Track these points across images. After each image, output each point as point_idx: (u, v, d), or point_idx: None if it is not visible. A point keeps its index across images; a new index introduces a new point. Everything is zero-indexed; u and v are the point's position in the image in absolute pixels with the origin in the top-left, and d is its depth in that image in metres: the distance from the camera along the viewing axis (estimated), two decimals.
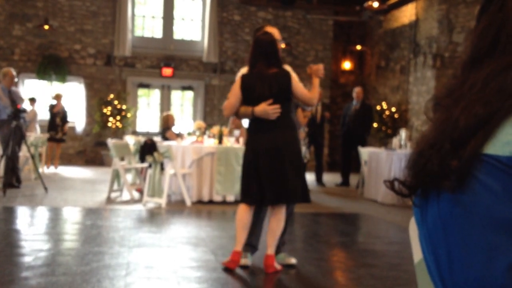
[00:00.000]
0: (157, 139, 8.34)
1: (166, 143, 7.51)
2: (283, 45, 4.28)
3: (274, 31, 4.12)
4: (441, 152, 0.90)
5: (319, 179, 10.44)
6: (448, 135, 0.91)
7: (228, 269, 3.89)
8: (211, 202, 7.33)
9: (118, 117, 13.18)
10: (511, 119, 0.84)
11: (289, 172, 3.78)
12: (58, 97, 11.71)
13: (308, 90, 4.02)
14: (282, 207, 3.91)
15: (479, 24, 0.99)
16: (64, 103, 11.93)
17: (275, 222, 3.88)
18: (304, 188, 3.93)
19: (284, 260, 4.11)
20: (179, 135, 8.69)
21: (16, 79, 8.27)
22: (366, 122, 10.36)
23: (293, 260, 4.13)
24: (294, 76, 3.97)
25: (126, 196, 7.73)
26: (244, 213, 3.93)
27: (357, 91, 10.41)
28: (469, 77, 0.96)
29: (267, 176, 3.79)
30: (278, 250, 4.15)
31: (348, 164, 10.53)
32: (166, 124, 9.03)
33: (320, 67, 4.12)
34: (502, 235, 0.80)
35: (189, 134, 8.57)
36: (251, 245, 4.16)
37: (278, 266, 3.94)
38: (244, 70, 4.10)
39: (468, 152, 0.86)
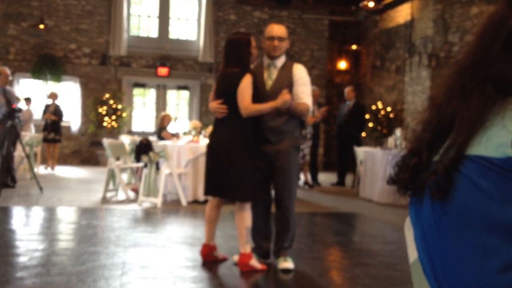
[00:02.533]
0: (153, 138, 8.33)
1: (162, 142, 7.50)
2: (286, 43, 4.15)
3: (274, 28, 4.06)
4: (421, 163, 0.91)
5: (314, 179, 10.45)
6: (427, 141, 0.92)
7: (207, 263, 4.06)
8: (207, 202, 7.31)
9: (114, 117, 13.15)
10: (501, 122, 0.84)
11: (225, 169, 3.85)
12: (53, 96, 11.61)
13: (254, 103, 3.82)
14: (242, 205, 3.91)
15: None
16: (59, 102, 11.83)
17: (236, 220, 3.96)
18: (243, 187, 3.84)
19: (279, 264, 4.04)
20: (174, 135, 8.68)
21: (10, 78, 8.24)
22: (359, 122, 10.38)
23: (287, 265, 4.01)
24: (245, 79, 3.82)
25: (121, 195, 7.72)
26: (209, 208, 4.15)
27: (347, 91, 10.47)
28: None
29: (209, 170, 3.98)
30: (278, 254, 4.12)
31: (344, 164, 10.55)
32: (162, 124, 9.01)
33: (283, 97, 3.81)
34: (495, 237, 0.81)
35: (184, 133, 8.56)
36: (258, 245, 4.21)
37: (257, 265, 3.92)
38: None
39: (443, 165, 0.87)
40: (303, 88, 3.95)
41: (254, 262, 3.93)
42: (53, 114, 11.40)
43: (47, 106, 11.52)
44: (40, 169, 11.18)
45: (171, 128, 9.04)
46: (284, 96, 3.83)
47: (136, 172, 8.15)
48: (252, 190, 3.89)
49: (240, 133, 3.90)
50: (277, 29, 4.05)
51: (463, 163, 0.87)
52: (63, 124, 12.22)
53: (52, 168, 11.52)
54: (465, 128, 0.88)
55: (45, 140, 11.25)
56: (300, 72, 4.04)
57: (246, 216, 3.92)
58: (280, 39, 4.04)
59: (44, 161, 11.89)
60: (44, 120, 11.48)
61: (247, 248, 3.92)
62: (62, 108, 11.68)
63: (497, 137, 0.84)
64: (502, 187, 0.82)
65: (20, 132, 8.20)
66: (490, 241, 0.82)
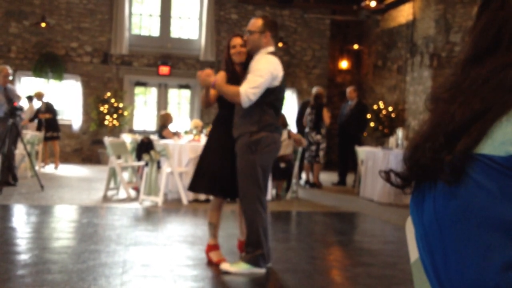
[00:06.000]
0: (154, 137, 8.33)
1: (163, 141, 7.50)
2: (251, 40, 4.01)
3: (250, 23, 3.97)
4: (434, 145, 0.90)
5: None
6: (443, 129, 0.91)
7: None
8: (207, 200, 7.33)
9: (115, 115, 13.15)
10: (506, 119, 0.83)
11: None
12: (39, 95, 11.38)
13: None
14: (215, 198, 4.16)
15: (479, 21, 0.98)
16: (49, 99, 11.50)
17: None
18: (208, 180, 4.01)
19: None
20: (176, 134, 8.68)
21: (11, 77, 8.23)
22: (361, 122, 10.38)
23: (225, 266, 3.87)
24: (218, 74, 3.98)
25: (122, 194, 7.73)
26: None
27: (349, 90, 10.46)
28: (469, 74, 0.96)
29: None
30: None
31: (345, 163, 10.54)
32: (164, 122, 9.00)
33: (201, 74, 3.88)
34: (497, 235, 0.80)
35: (186, 132, 8.56)
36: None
37: (213, 258, 4.06)
38: None
39: (462, 148, 0.86)
40: (249, 75, 3.72)
41: (212, 254, 4.09)
42: (46, 112, 11.24)
43: (38, 108, 11.29)
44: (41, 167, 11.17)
45: (172, 127, 9.04)
46: (198, 73, 3.94)
47: (137, 171, 8.16)
48: (217, 185, 3.99)
49: (216, 129, 4.18)
50: (250, 25, 3.91)
51: (465, 156, 0.86)
52: (64, 122, 12.19)
53: (56, 167, 11.41)
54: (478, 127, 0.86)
55: (45, 138, 11.20)
56: (254, 62, 3.82)
57: (209, 210, 4.18)
58: (241, 45, 3.96)
59: (43, 160, 11.82)
60: (38, 120, 11.25)
61: (209, 240, 4.17)
62: (54, 105, 11.39)
63: (502, 134, 0.83)
64: (505, 186, 0.81)
65: (21, 130, 8.20)
66: (492, 239, 0.82)
